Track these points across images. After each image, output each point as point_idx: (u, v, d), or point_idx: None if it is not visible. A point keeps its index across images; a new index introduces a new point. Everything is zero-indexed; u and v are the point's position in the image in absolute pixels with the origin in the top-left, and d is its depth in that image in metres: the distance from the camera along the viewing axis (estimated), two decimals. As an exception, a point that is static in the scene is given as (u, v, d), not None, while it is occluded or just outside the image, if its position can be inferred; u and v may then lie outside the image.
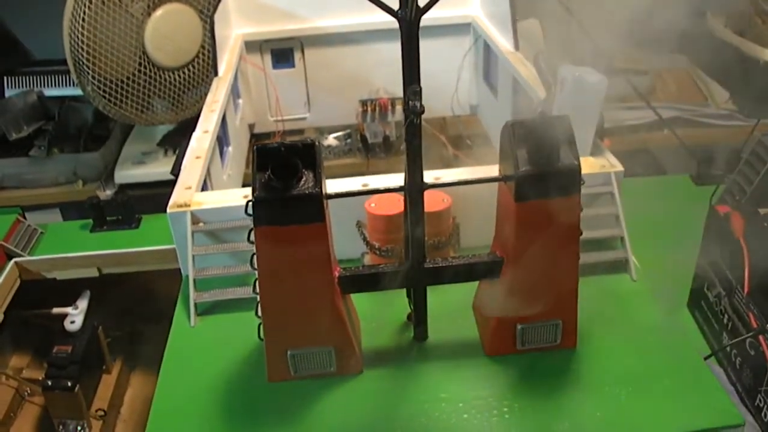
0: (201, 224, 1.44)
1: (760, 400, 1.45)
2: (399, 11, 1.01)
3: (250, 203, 1.09)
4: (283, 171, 1.07)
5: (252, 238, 1.11)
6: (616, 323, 1.34)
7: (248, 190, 1.45)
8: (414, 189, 1.12)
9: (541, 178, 1.11)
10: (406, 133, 1.07)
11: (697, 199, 1.89)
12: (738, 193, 1.73)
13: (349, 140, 2.60)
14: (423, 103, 1.02)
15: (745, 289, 1.48)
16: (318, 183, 1.08)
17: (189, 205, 1.43)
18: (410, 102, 1.02)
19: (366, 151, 2.49)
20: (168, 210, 1.43)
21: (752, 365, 1.46)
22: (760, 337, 1.41)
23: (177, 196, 1.46)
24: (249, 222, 1.12)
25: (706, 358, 1.34)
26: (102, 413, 1.85)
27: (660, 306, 1.38)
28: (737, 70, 2.59)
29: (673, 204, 1.96)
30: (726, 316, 1.57)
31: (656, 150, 2.41)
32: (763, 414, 1.44)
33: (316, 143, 1.11)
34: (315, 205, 1.08)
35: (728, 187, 1.78)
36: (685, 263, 1.73)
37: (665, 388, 1.21)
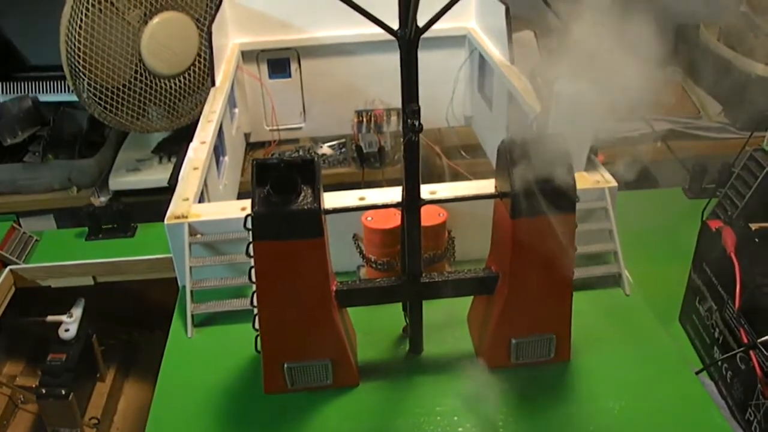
0: (198, 236, 1.45)
1: (750, 414, 1.46)
2: (398, 30, 1.02)
3: (249, 217, 1.10)
4: (282, 186, 1.08)
5: (251, 251, 1.12)
6: (610, 337, 1.35)
7: (245, 202, 1.47)
8: (411, 205, 1.13)
9: (536, 196, 1.13)
10: (404, 150, 1.08)
11: (689, 212, 1.91)
12: (730, 208, 1.75)
13: (343, 149, 2.61)
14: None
15: (737, 304, 1.49)
16: (317, 198, 1.10)
17: (187, 217, 1.44)
18: (409, 120, 1.03)
19: (361, 160, 2.50)
20: (165, 221, 1.44)
21: (743, 380, 1.48)
22: (751, 352, 1.43)
23: (174, 207, 1.47)
24: (246, 234, 1.13)
25: (697, 373, 1.35)
26: (96, 421, 1.86)
27: (652, 320, 1.39)
28: (730, 83, 2.61)
29: (666, 218, 1.98)
30: (717, 330, 1.59)
31: (649, 162, 2.42)
32: (753, 428, 1.45)
33: (316, 159, 1.12)
34: (314, 221, 1.09)
35: (720, 201, 1.80)
36: (677, 277, 1.74)
37: (657, 402, 1.22)
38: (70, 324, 1.88)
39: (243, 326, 1.33)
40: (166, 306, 1.51)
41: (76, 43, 2.12)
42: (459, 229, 1.49)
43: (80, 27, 2.12)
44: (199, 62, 2.40)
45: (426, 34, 1.03)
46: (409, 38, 1.01)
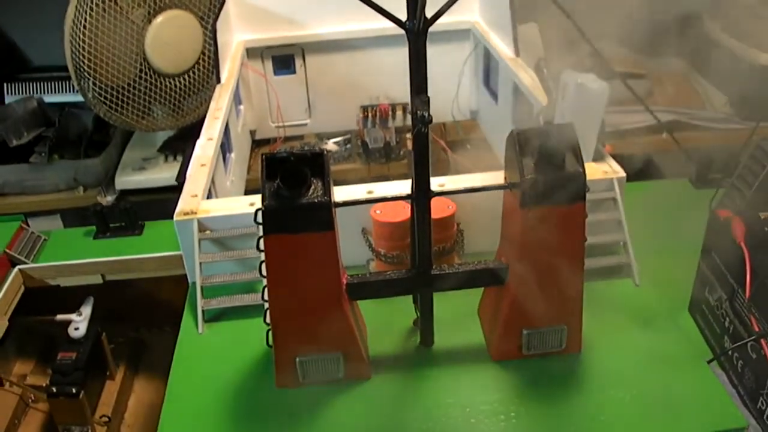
0: (208, 232, 1.45)
1: (762, 403, 1.46)
2: (407, 22, 1.02)
3: (260, 212, 1.10)
4: (292, 180, 1.08)
5: (261, 246, 1.12)
6: (620, 328, 1.35)
7: (254, 198, 1.47)
8: (421, 197, 1.13)
9: (546, 186, 1.13)
10: (413, 142, 1.08)
11: (697, 203, 1.90)
12: (738, 198, 1.74)
13: (348, 145, 2.61)
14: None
15: (747, 293, 1.49)
16: (327, 191, 1.10)
17: (196, 213, 1.44)
18: (418, 111, 1.03)
19: (366, 156, 2.50)
20: (175, 218, 1.44)
21: (754, 368, 1.48)
22: (762, 341, 1.42)
23: (183, 203, 1.47)
24: (256, 229, 1.13)
25: (708, 362, 1.35)
26: (106, 419, 1.86)
27: (662, 310, 1.39)
28: (734, 73, 2.60)
29: (673, 208, 1.97)
30: (727, 319, 1.58)
31: (654, 153, 2.42)
32: (765, 417, 1.45)
33: (325, 152, 1.12)
34: (324, 214, 1.09)
35: (728, 191, 1.79)
36: (686, 267, 1.74)
37: (669, 392, 1.23)
38: (79, 322, 1.88)
39: (254, 321, 1.34)
40: (175, 303, 1.51)
41: (81, 43, 2.13)
42: (467, 222, 1.49)
43: (84, 27, 2.12)
44: (204, 60, 2.41)
45: (430, 29, 1.03)
46: (417, 30, 1.02)
